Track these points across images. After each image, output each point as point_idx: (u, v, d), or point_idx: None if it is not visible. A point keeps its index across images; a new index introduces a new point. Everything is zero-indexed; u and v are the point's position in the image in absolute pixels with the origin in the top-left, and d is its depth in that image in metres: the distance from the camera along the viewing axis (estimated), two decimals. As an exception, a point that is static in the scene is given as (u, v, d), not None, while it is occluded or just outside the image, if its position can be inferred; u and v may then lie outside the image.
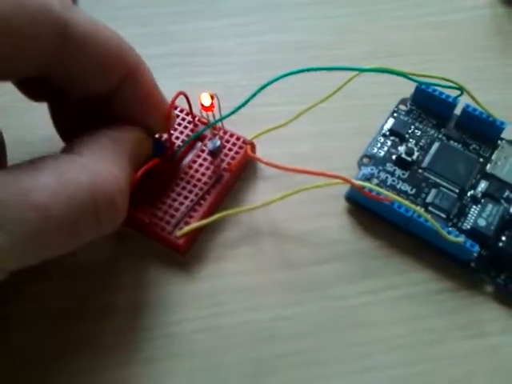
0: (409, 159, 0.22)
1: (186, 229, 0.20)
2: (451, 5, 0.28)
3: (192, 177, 0.21)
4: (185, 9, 0.27)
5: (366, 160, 0.22)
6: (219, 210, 0.20)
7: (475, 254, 0.20)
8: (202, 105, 0.20)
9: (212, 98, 0.19)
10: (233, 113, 0.20)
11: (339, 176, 0.19)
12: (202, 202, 0.21)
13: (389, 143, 0.23)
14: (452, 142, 0.23)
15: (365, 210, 0.21)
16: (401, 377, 0.19)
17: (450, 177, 0.22)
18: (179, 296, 0.20)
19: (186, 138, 0.22)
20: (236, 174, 0.22)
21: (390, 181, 0.22)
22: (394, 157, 0.22)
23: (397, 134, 0.23)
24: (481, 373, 0.19)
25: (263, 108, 0.24)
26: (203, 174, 0.21)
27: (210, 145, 0.21)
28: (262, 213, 0.21)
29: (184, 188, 0.21)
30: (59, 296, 0.20)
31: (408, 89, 0.24)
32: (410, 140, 0.23)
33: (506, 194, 0.22)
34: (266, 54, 0.26)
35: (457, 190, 0.22)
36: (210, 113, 0.20)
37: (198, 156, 0.22)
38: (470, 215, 0.21)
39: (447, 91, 0.23)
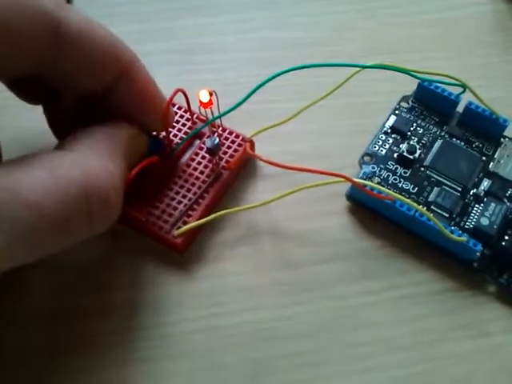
0: (411, 157, 0.22)
1: (184, 228, 0.19)
2: (452, 2, 0.28)
3: (190, 175, 0.21)
4: (183, 5, 0.27)
5: (367, 158, 0.22)
6: (218, 209, 0.20)
7: (478, 254, 0.20)
8: (201, 102, 0.20)
9: (211, 94, 0.19)
10: (232, 110, 0.20)
11: (340, 174, 0.19)
12: (200, 200, 0.20)
13: (390, 141, 0.23)
14: (454, 139, 0.23)
15: (366, 209, 0.21)
16: (401, 377, 0.19)
17: (453, 175, 0.22)
18: (177, 296, 0.20)
19: (184, 136, 0.22)
20: (235, 173, 0.22)
21: (391, 179, 0.22)
22: (395, 155, 0.22)
23: (398, 131, 0.23)
24: (482, 372, 0.19)
25: (262, 105, 0.24)
26: (202, 172, 0.21)
27: (208, 142, 0.20)
28: (261, 212, 0.21)
29: (182, 186, 0.21)
30: (55, 295, 0.19)
31: (408, 86, 0.24)
32: (412, 138, 0.23)
33: (509, 192, 0.21)
34: (264, 50, 0.26)
35: (459, 189, 0.21)
36: (208, 110, 0.20)
37: (197, 154, 0.22)
38: (472, 214, 0.21)
39: (450, 88, 0.23)
